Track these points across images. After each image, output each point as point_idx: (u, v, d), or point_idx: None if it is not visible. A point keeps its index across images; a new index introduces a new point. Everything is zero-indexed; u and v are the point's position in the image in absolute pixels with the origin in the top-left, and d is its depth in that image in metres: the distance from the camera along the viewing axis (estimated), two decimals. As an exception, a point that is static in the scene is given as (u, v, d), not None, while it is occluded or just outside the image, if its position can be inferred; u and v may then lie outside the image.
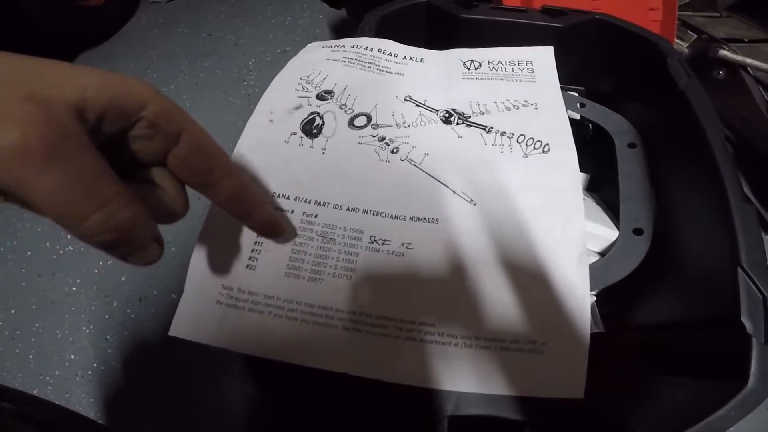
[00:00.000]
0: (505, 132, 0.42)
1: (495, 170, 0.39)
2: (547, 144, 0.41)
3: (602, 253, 0.44)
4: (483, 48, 0.52)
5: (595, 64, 0.60)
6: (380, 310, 0.32)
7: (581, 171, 0.54)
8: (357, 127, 0.42)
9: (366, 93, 0.45)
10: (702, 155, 0.38)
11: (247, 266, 0.33)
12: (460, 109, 0.44)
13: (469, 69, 0.49)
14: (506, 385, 0.30)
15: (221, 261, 0.33)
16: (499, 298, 0.32)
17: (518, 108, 0.44)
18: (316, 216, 0.35)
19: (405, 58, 0.50)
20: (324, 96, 0.44)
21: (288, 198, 0.36)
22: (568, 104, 0.57)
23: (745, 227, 0.33)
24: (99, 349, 0.84)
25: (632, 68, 0.54)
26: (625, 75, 0.56)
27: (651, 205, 0.43)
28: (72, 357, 0.84)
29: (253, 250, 0.34)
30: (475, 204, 0.37)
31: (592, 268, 0.42)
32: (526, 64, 0.50)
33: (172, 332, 0.31)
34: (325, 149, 0.40)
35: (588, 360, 0.32)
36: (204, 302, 0.32)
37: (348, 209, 0.36)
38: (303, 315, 0.32)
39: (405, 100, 0.45)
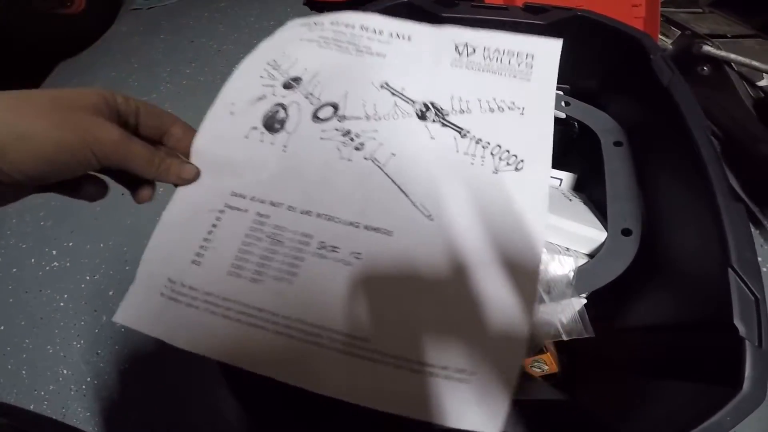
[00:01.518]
0: (480, 140, 0.39)
1: (461, 184, 0.37)
2: (522, 161, 0.38)
3: (591, 255, 0.43)
4: (483, 30, 0.46)
5: (578, 62, 0.59)
6: (315, 319, 0.31)
7: (568, 171, 0.53)
8: (321, 119, 0.40)
9: (337, 79, 0.42)
10: (688, 153, 0.37)
11: (193, 261, 0.33)
12: (438, 104, 0.41)
13: (461, 54, 0.45)
14: (428, 412, 0.29)
15: (171, 254, 0.34)
16: (437, 323, 0.31)
17: (503, 110, 0.41)
18: (268, 217, 0.35)
19: (390, 35, 0.45)
20: (290, 84, 0.41)
21: (244, 197, 0.36)
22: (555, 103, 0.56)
23: (734, 226, 0.32)
24: (91, 363, 0.83)
25: (616, 65, 0.53)
26: (609, 72, 0.56)
27: (639, 204, 0.43)
28: (65, 372, 0.84)
29: (201, 246, 0.34)
30: (432, 219, 0.35)
31: (581, 270, 0.41)
32: (526, 57, 0.44)
33: (116, 319, 0.32)
34: (286, 146, 0.38)
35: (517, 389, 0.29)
36: (149, 293, 0.33)
37: (302, 212, 0.35)
38: (238, 315, 0.32)
39: (381, 87, 0.42)
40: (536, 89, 0.42)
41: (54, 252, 0.99)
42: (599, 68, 0.57)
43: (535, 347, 0.47)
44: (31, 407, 0.80)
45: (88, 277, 0.93)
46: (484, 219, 0.35)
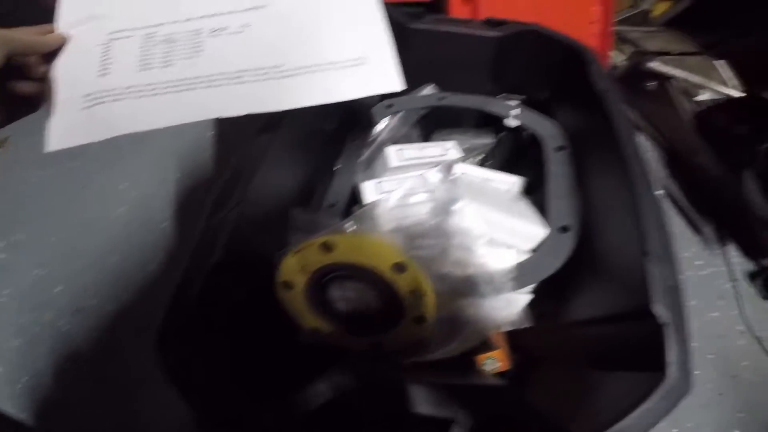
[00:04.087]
0: None
1: None
2: None
3: (534, 252, 0.45)
4: None
5: (532, 73, 0.62)
6: (235, 66, 0.40)
7: (520, 175, 0.55)
8: None
9: None
10: (614, 152, 0.39)
11: (100, 74, 0.39)
12: None
13: None
14: (349, 90, 0.41)
15: (76, 79, 0.39)
16: (335, 42, 0.43)
17: None
18: (155, 33, 0.42)
19: None
20: None
21: (123, 31, 0.42)
22: (506, 111, 0.59)
23: (650, 218, 0.34)
24: (30, 362, 0.79)
25: (562, 75, 0.56)
26: (557, 82, 0.59)
27: (577, 203, 0.45)
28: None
29: (102, 66, 0.40)
30: None
31: (522, 265, 0.43)
32: None
33: (50, 148, 0.37)
34: None
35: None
36: (70, 114, 0.38)
37: (185, 20, 0.43)
38: (166, 89, 0.39)
39: None
40: None
41: (1, 244, 0.95)
42: (549, 79, 0.60)
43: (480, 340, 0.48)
44: (-40, 407, 0.75)
45: (35, 272, 0.89)
46: None
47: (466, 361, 0.50)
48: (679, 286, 0.32)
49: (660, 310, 0.31)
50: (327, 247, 0.41)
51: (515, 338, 0.52)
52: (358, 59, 0.42)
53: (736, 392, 0.66)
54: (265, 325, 0.47)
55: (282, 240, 0.48)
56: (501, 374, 0.51)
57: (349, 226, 0.43)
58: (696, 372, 0.70)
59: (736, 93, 0.79)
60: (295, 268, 0.43)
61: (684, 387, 0.29)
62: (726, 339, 0.71)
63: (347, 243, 0.42)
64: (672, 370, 0.29)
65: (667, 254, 0.33)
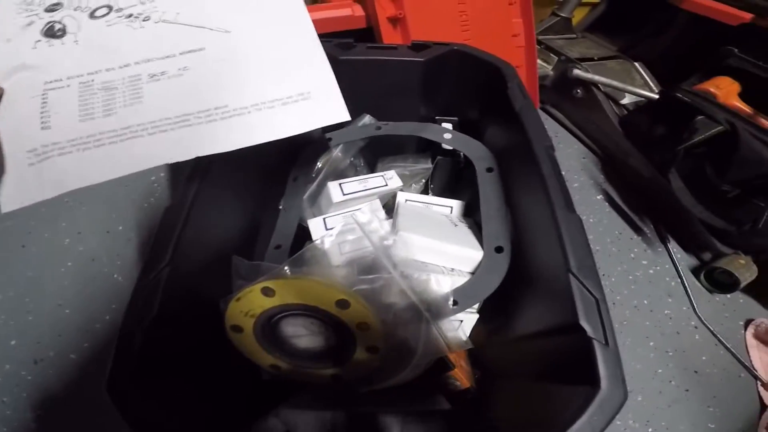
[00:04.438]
0: None
1: (241, 8, 0.47)
2: None
3: (473, 273, 0.46)
4: None
5: (460, 93, 0.64)
6: (179, 111, 0.40)
7: (459, 198, 0.57)
8: (100, 17, 0.45)
9: None
10: (533, 171, 0.41)
11: (42, 128, 0.38)
12: None
13: None
14: (295, 125, 0.41)
15: (18, 135, 0.38)
16: (272, 76, 0.43)
17: None
18: (92, 81, 0.41)
19: None
20: (53, 8, 0.45)
21: (60, 80, 0.41)
22: (438, 135, 0.60)
23: (571, 235, 0.35)
24: None
25: (487, 94, 0.57)
26: (484, 101, 0.60)
27: (508, 223, 0.46)
28: (-34, 421, 0.76)
29: (41, 118, 0.39)
30: (230, 32, 0.45)
31: (462, 287, 0.44)
32: None
33: (5, 209, 0.35)
34: (77, 41, 0.43)
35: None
36: (18, 173, 0.36)
37: (120, 67, 0.42)
38: (110, 139, 0.38)
39: None
40: None
41: (-54, 302, 0.90)
42: (477, 98, 0.61)
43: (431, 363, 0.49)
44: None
45: (-16, 328, 0.86)
46: (267, 22, 0.46)
47: (426, 384, 0.51)
48: (604, 298, 0.33)
49: (587, 324, 0.32)
50: (267, 292, 0.41)
51: (475, 357, 0.53)
52: (302, 93, 0.42)
53: (702, 387, 0.68)
54: (224, 365, 0.46)
55: (228, 284, 0.47)
56: (462, 392, 0.52)
57: (289, 269, 0.43)
58: (659, 370, 0.72)
59: (654, 94, 0.82)
60: (240, 313, 0.43)
61: (618, 396, 0.29)
62: (682, 335, 0.73)
63: (287, 286, 0.41)
64: (605, 383, 0.29)
65: (590, 269, 0.34)
